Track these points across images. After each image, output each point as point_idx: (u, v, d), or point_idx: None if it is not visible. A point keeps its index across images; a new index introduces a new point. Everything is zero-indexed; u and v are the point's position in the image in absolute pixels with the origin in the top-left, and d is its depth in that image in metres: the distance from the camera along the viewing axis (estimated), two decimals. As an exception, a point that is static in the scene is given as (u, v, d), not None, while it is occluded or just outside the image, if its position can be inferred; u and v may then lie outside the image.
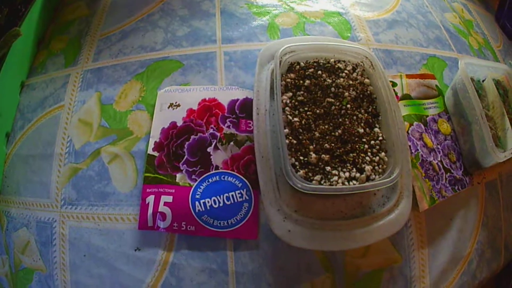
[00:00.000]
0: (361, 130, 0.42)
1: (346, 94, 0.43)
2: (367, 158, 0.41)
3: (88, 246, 0.42)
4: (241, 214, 0.41)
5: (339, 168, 0.40)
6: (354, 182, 0.40)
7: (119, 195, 0.42)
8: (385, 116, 0.43)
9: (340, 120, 0.42)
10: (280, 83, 0.42)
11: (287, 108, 0.41)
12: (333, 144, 0.41)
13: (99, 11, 0.51)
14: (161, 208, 0.41)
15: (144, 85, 0.45)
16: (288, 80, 0.43)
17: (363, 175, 0.40)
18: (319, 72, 0.44)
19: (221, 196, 0.41)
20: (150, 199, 0.41)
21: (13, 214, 0.48)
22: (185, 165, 0.42)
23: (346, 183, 0.40)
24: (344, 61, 0.46)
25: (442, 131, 0.51)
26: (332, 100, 0.43)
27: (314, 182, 0.39)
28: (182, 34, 0.48)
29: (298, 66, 0.44)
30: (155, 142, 0.43)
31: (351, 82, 0.44)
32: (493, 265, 0.55)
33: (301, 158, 0.40)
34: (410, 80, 0.51)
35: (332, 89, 0.43)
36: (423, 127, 0.49)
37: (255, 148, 0.41)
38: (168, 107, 0.44)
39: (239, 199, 0.41)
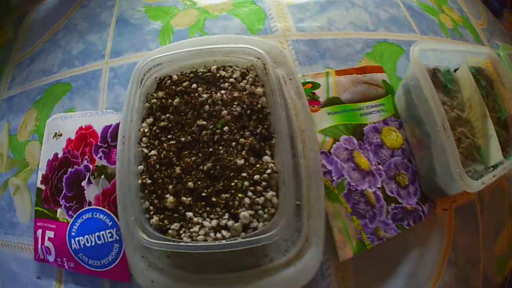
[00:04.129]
0: (240, 161, 0.25)
1: (224, 112, 0.26)
2: (246, 200, 0.25)
3: (8, 270, 0.35)
4: (112, 255, 0.29)
5: (205, 215, 0.25)
6: (225, 232, 0.25)
7: (22, 226, 0.34)
8: (281, 137, 0.26)
9: (212, 149, 0.26)
10: (136, 107, 0.27)
11: (144, 138, 0.27)
12: (199, 183, 0.25)
13: (20, 34, 0.41)
14: (46, 243, 0.31)
15: (39, 113, 0.35)
16: (154, 100, 0.28)
17: (238, 224, 0.24)
18: (194, 85, 0.28)
19: (93, 235, 0.29)
20: (39, 233, 0.32)
21: None
22: (63, 200, 0.31)
23: (212, 234, 0.25)
24: (230, 67, 0.28)
25: (388, 144, 0.30)
26: (204, 122, 0.27)
27: (171, 232, 0.25)
28: (77, 52, 0.35)
29: (169, 81, 0.28)
30: (43, 174, 0.32)
31: (236, 94, 0.27)
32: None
33: (155, 202, 0.26)
34: (341, 77, 0.30)
35: (207, 107, 0.27)
36: (355, 141, 0.29)
37: (117, 185, 0.27)
38: (53, 137, 0.33)
39: (109, 239, 0.29)
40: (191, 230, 0.24)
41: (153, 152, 0.26)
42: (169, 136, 0.26)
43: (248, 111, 0.26)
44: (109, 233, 0.29)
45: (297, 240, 0.26)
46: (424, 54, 0.30)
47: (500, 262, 0.38)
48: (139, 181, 0.25)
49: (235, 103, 0.26)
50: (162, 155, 0.25)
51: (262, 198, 0.24)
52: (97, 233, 0.29)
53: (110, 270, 0.29)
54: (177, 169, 0.25)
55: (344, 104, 0.29)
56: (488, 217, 0.36)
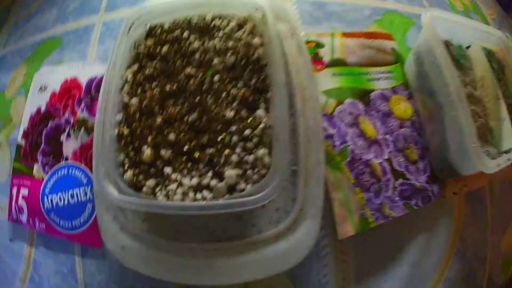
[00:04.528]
0: (230, 113, 0.20)
1: (216, 61, 0.21)
2: (234, 157, 0.20)
3: (-18, 231, 0.31)
4: (84, 217, 0.23)
5: (185, 171, 0.20)
6: (206, 193, 0.19)
7: (0, 184, 0.29)
8: (278, 90, 0.20)
9: (200, 99, 0.21)
10: (122, 53, 0.22)
11: (126, 86, 0.21)
12: (182, 135, 0.20)
13: (20, -4, 0.37)
14: (20, 201, 0.26)
15: (28, 68, 0.30)
16: (141, 48, 0.23)
17: (222, 184, 0.19)
18: (186, 34, 0.22)
19: (66, 192, 0.24)
20: (14, 191, 0.27)
21: None
22: (41, 155, 0.26)
23: (191, 194, 0.19)
24: (227, 17, 0.23)
25: (397, 113, 0.24)
26: (193, 71, 0.21)
27: (145, 189, 0.20)
28: (72, 8, 0.30)
29: (160, 30, 0.23)
30: (24, 129, 0.27)
31: (231, 44, 0.22)
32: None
33: (131, 154, 0.20)
34: (348, 39, 0.24)
35: (197, 55, 0.22)
36: (361, 106, 0.23)
37: (94, 136, 0.21)
38: (38, 91, 0.28)
39: (82, 198, 0.23)
40: (168, 188, 0.19)
41: (134, 100, 0.20)
42: (153, 85, 0.21)
43: (243, 62, 0.21)
44: (83, 191, 0.23)
45: (291, 210, 0.20)
46: (436, 23, 0.25)
47: (506, 261, 0.31)
48: (116, 131, 0.20)
49: (229, 52, 0.21)
50: (143, 103, 0.20)
51: (252, 156, 0.19)
52: (70, 191, 0.24)
53: (80, 233, 0.23)
54: (159, 119, 0.20)
55: (350, 67, 0.24)
56: (496, 210, 0.30)
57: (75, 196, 0.24)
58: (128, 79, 0.21)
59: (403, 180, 0.23)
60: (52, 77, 0.27)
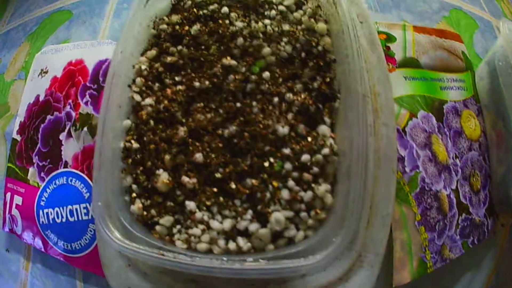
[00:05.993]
0: (283, 129, 0.11)
1: (267, 50, 0.11)
2: (284, 192, 0.10)
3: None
4: (86, 239, 0.15)
5: (215, 209, 0.10)
6: (243, 242, 0.10)
7: None
8: (352, 100, 0.11)
9: (241, 104, 0.12)
10: (134, 33, 0.12)
11: (139, 79, 0.12)
12: (213, 156, 0.11)
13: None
14: (13, 210, 0.17)
15: (31, 46, 0.20)
16: (163, 26, 0.13)
17: (265, 230, 0.10)
18: (226, 9, 0.12)
19: (65, 208, 0.15)
20: (8, 197, 0.17)
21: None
22: (37, 157, 0.16)
23: (222, 242, 0.10)
24: (281, -10, 0.14)
25: (467, 132, 0.15)
26: (234, 62, 0.12)
27: (158, 228, 0.11)
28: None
29: (190, 2, 0.13)
30: (20, 122, 0.17)
31: (287, 27, 0.12)
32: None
33: (141, 178, 0.11)
34: (420, 35, 0.14)
35: (240, 39, 0.12)
36: (435, 122, 0.14)
37: (96, 143, 0.12)
38: (38, 75, 0.18)
39: (84, 217, 0.14)
40: (190, 231, 0.10)
41: (148, 100, 0.11)
42: (177, 79, 0.11)
43: (303, 54, 0.11)
44: (84, 208, 0.14)
45: (345, 253, 0.12)
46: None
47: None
48: (121, 144, 0.11)
49: (284, 39, 0.12)
50: (161, 106, 0.11)
51: (309, 192, 0.10)
52: (69, 207, 0.15)
53: (82, 258, 0.15)
54: (182, 130, 0.11)
55: (423, 69, 0.14)
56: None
57: (74, 213, 0.15)
58: (142, 69, 0.12)
59: (466, 215, 0.15)
60: (54, 58, 0.17)
